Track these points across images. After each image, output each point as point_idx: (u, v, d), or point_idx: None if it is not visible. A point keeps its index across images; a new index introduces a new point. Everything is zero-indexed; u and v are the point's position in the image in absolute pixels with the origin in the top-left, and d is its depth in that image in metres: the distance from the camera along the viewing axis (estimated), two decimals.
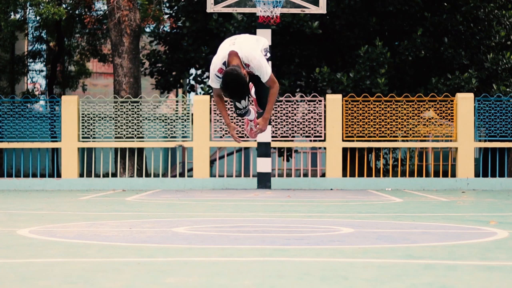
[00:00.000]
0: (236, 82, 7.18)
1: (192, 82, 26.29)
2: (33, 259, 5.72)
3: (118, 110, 19.81)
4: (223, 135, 19.65)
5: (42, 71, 34.37)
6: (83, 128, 19.65)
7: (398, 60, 22.06)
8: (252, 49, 7.44)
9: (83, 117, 19.66)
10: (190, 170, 22.46)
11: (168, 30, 25.27)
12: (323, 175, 20.86)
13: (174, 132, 19.91)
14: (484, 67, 21.75)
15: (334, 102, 19.39)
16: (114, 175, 21.44)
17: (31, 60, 31.95)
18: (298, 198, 14.73)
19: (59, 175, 20.92)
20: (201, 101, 19.50)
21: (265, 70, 7.41)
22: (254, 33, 19.52)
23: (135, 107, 19.83)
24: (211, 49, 23.51)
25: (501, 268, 5.35)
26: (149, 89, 31.69)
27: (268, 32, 18.55)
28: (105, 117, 19.86)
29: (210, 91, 23.40)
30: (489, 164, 19.58)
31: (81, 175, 22.39)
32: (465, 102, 19.30)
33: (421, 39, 21.73)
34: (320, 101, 19.57)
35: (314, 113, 19.55)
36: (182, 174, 22.59)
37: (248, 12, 20.14)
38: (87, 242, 6.91)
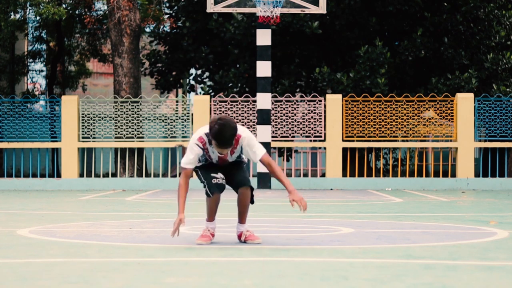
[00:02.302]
0: (228, 126, 6.38)
1: (192, 82, 26.29)
2: (33, 259, 5.72)
3: (118, 110, 19.81)
4: None
5: (42, 71, 34.37)
6: (83, 128, 19.64)
7: (398, 60, 22.06)
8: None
9: (83, 117, 19.66)
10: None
11: (168, 30, 25.27)
12: (323, 175, 20.85)
13: (174, 132, 19.91)
14: (484, 67, 21.75)
15: (334, 102, 19.39)
16: (114, 175, 21.44)
17: (31, 60, 31.95)
18: None
19: (59, 175, 20.91)
20: (201, 101, 19.50)
21: (257, 145, 6.72)
22: (254, 33, 19.51)
23: (135, 107, 19.83)
24: (211, 49, 23.51)
25: (501, 268, 5.35)
26: (149, 89, 31.69)
27: (268, 32, 18.54)
28: (105, 117, 19.86)
29: (210, 90, 23.41)
30: (489, 164, 19.58)
31: (81, 175, 22.39)
32: (465, 102, 19.30)
33: (421, 39, 21.72)
34: (320, 101, 19.57)
35: (314, 113, 19.55)
36: None
37: (248, 12, 20.13)
38: (87, 242, 6.91)
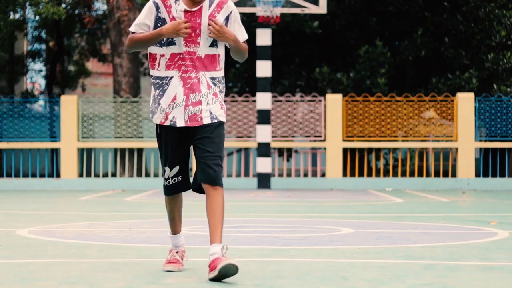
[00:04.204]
0: None
1: None
2: (33, 259, 5.70)
3: (118, 110, 19.80)
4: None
5: (41, 71, 34.35)
6: (82, 128, 19.63)
7: (398, 60, 22.05)
8: None
9: (82, 117, 19.64)
10: (190, 170, 22.45)
11: None
12: (323, 175, 20.84)
13: None
14: (485, 67, 21.73)
15: (334, 102, 19.37)
16: (113, 175, 21.42)
17: (30, 60, 31.94)
18: (298, 198, 14.71)
19: (58, 175, 20.89)
20: None
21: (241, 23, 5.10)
22: (254, 33, 19.50)
23: (135, 107, 19.82)
24: None
25: (501, 268, 5.34)
26: (149, 89, 31.67)
27: (268, 32, 18.53)
28: (104, 117, 19.85)
29: None
30: (490, 164, 19.56)
31: (81, 175, 22.37)
32: (465, 102, 19.28)
33: (421, 39, 21.71)
34: (320, 101, 19.55)
35: (314, 113, 19.53)
36: None
37: (248, 12, 20.12)
38: (86, 242, 6.89)
